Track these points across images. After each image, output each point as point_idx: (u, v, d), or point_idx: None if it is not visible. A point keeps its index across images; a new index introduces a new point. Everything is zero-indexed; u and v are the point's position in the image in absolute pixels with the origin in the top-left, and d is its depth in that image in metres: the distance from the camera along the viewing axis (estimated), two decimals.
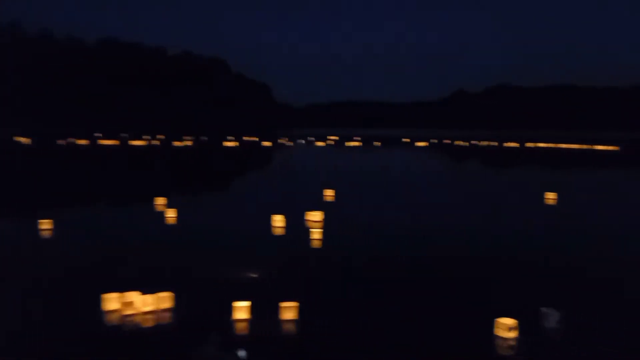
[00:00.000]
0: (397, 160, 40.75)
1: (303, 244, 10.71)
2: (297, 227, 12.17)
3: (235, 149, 50.32)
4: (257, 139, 71.64)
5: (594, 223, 13.68)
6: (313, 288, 7.84)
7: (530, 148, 58.61)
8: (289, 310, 6.67)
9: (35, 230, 11.55)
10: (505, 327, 6.06)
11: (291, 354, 5.76)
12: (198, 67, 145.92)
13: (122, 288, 7.21)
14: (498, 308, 6.69)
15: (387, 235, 11.65)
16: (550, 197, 17.12)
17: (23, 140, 56.11)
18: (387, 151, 52.79)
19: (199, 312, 6.82)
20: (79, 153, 40.35)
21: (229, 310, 6.70)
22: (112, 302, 6.94)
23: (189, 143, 58.17)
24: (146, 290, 7.14)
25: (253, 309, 6.73)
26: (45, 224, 11.81)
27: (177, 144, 54.86)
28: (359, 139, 76.14)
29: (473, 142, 71.07)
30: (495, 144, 66.69)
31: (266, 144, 60.82)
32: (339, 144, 65.04)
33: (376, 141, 70.65)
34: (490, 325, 6.25)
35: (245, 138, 74.38)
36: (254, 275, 8.36)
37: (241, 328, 6.40)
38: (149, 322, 6.61)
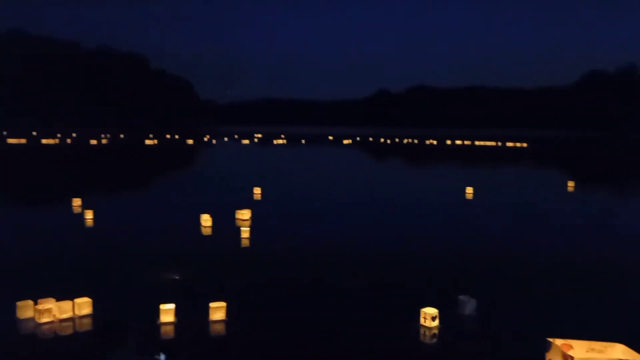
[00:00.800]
0: (324, 157, 41.14)
1: (232, 242, 10.52)
2: (225, 226, 11.94)
3: (157, 147, 48.66)
4: (179, 137, 69.64)
5: (508, 214, 14.47)
6: (242, 287, 7.71)
7: (449, 145, 61.14)
8: (217, 311, 6.51)
9: None
10: (429, 316, 6.27)
11: (220, 355, 5.64)
12: (115, 62, 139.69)
13: (37, 295, 6.71)
14: (421, 299, 6.84)
15: (315, 233, 11.74)
16: (469, 191, 17.92)
17: None
18: (314, 149, 53.18)
19: (121, 317, 6.50)
20: None
21: (154, 313, 6.43)
22: (26, 309, 6.46)
23: (105, 141, 55.52)
24: (63, 296, 6.70)
25: (179, 311, 6.50)
26: None
27: (93, 142, 52.19)
28: (285, 136, 76.01)
29: (396, 139, 73.13)
30: (417, 141, 69.01)
31: (189, 141, 59.27)
32: (265, 141, 64.68)
33: (302, 139, 70.85)
34: (416, 315, 6.41)
35: (167, 136, 72.08)
36: (177, 277, 8.08)
37: (167, 331, 6.18)
38: (67, 330, 6.22)
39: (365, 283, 7.98)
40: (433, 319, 6.28)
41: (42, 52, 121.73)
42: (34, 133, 68.27)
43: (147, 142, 55.73)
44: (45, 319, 6.37)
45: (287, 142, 63.42)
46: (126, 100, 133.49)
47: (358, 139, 74.22)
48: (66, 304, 6.55)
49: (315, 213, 14.26)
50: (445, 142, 67.35)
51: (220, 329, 6.31)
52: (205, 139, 67.47)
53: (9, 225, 12.36)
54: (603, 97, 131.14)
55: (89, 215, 12.75)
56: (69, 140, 53.84)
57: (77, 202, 14.57)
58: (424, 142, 67.62)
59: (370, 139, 75.93)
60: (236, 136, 77.89)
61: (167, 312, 6.42)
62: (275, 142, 62.81)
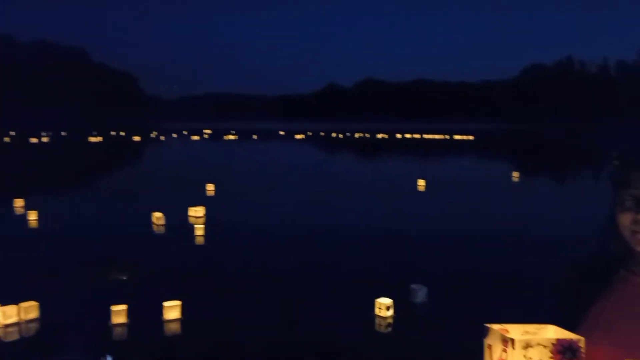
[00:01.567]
0: (276, 152, 40.96)
1: (186, 240, 10.29)
2: (178, 223, 11.67)
3: (102, 145, 47.06)
4: (125, 134, 67.52)
5: (458, 205, 14.83)
6: (198, 285, 7.54)
7: (399, 139, 62.16)
8: (171, 310, 6.34)
9: None
10: (384, 306, 6.34)
11: (175, 354, 5.50)
12: (53, 56, 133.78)
13: None
14: (377, 290, 6.89)
15: (271, 228, 11.66)
16: (421, 184, 18.26)
17: None
18: (266, 144, 52.83)
19: (70, 320, 6.22)
20: None
21: (105, 315, 6.19)
22: None
23: (46, 139, 53.15)
24: (7, 301, 6.34)
25: (132, 312, 6.28)
26: None
27: (33, 140, 49.85)
28: (235, 132, 74.99)
29: (348, 134, 73.64)
30: (368, 135, 69.74)
31: (136, 138, 57.58)
32: (215, 137, 63.68)
33: (253, 134, 70.17)
34: (371, 306, 6.45)
35: (112, 133, 69.75)
36: (129, 277, 7.83)
37: (120, 332, 5.97)
38: (13, 336, 5.90)
39: (320, 275, 7.98)
40: (387, 309, 6.35)
41: None
42: None
43: (91, 139, 53.74)
44: None
45: (238, 137, 62.66)
46: (67, 96, 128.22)
47: (310, 133, 74.24)
48: (11, 309, 6.20)
49: (270, 208, 14.15)
50: (395, 135, 68.37)
51: (175, 328, 6.16)
52: (153, 136, 65.80)
53: None
54: (543, 89, 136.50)
55: (32, 216, 12.15)
56: (7, 139, 51.21)
57: (19, 202, 13.87)
58: (375, 136, 68.42)
59: (322, 133, 76.17)
60: (185, 132, 76.28)
61: (119, 313, 6.19)
62: (225, 137, 61.94)
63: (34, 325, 6.14)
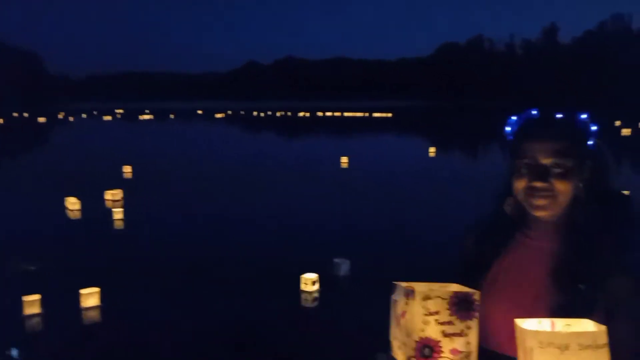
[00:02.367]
0: (195, 132, 39.89)
1: (103, 225, 9.81)
2: (95, 208, 11.09)
3: (4, 127, 43.64)
4: (28, 115, 62.96)
5: (381, 181, 15.21)
6: (116, 270, 7.22)
7: (320, 117, 62.65)
8: (89, 297, 6.02)
9: None
10: (309, 281, 6.42)
11: (95, 341, 5.26)
12: None
13: None
14: (301, 266, 6.92)
15: (192, 210, 11.38)
16: (344, 160, 18.53)
17: None
18: (184, 124, 51.30)
19: None
20: None
21: (17, 306, 5.78)
22: None
23: None
24: None
25: (47, 301, 5.91)
26: None
27: None
28: (150, 111, 72.04)
29: (269, 112, 73.13)
30: (289, 114, 69.67)
31: (41, 119, 53.90)
32: (129, 117, 60.95)
33: (170, 113, 67.84)
34: (297, 282, 6.49)
35: (14, 114, 64.79)
36: (42, 266, 7.35)
37: (33, 323, 5.61)
38: None
39: (244, 255, 7.88)
40: (313, 283, 6.43)
41: None
42: None
43: None
44: None
45: (154, 117, 60.35)
46: None
47: (229, 112, 72.99)
48: None
49: (191, 190, 13.79)
50: (316, 114, 68.83)
51: (94, 315, 5.87)
52: (60, 117, 61.90)
53: None
54: (457, 67, 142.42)
55: None
56: None
57: None
58: (297, 114, 68.50)
59: (242, 112, 75.16)
60: (95, 112, 72.44)
61: (32, 304, 5.80)
62: (140, 117, 59.45)
63: None
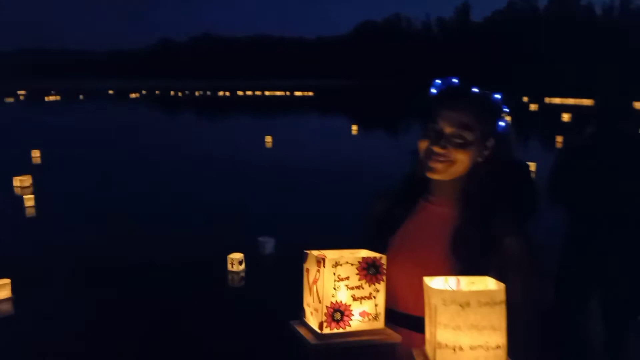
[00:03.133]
0: (108, 113, 37.90)
1: (13, 212, 9.22)
2: (2, 195, 10.43)
3: None
4: None
5: (305, 159, 15.32)
6: (29, 260, 6.85)
7: (241, 96, 61.56)
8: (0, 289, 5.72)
9: None
10: (236, 261, 6.47)
11: (6, 335, 5.03)
12: None
13: None
14: (228, 246, 6.92)
15: (109, 195, 10.96)
16: (269, 140, 18.44)
17: None
18: (95, 104, 48.55)
19: None
20: None
21: None
22: None
23: None
24: None
25: None
26: None
27: None
28: (57, 92, 67.25)
29: (186, 92, 70.75)
30: (209, 93, 67.84)
31: None
32: (34, 98, 56.73)
33: (79, 94, 63.78)
34: (224, 263, 6.50)
35: None
36: None
37: None
38: None
39: (167, 241, 7.72)
40: (240, 263, 6.47)
41: None
42: None
43: None
44: None
45: (61, 98, 56.55)
46: None
47: (144, 92, 69.77)
48: None
49: (107, 174, 13.19)
50: (237, 92, 67.52)
51: (5, 308, 5.57)
52: None
53: None
54: (375, 46, 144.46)
55: None
56: None
57: None
58: (217, 93, 66.83)
59: (158, 92, 72.15)
60: None
61: None
62: (47, 99, 55.52)
63: None
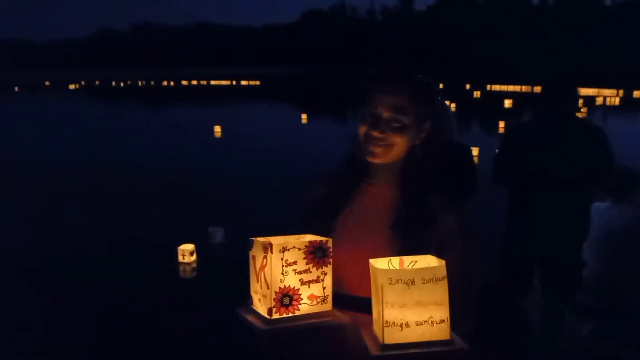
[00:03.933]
0: (48, 106, 36.19)
1: None
2: None
3: None
4: None
5: (257, 148, 15.21)
6: None
7: (186, 86, 60.24)
8: None
9: None
10: (187, 252, 6.40)
11: None
12: None
13: None
14: (179, 237, 6.83)
15: (51, 190, 10.55)
16: (217, 130, 18.21)
17: None
18: (33, 97, 46.30)
19: None
20: None
21: None
22: None
23: None
24: None
25: None
26: None
27: None
28: None
29: (128, 82, 68.50)
30: (152, 83, 65.98)
31: None
32: None
33: (14, 86, 60.56)
34: (174, 254, 6.41)
35: None
36: None
37: None
38: None
39: (116, 235, 7.52)
40: (191, 253, 6.40)
41: None
42: None
43: None
44: None
45: None
46: None
47: (83, 82, 67.02)
48: None
49: (48, 170, 12.66)
50: (181, 82, 66.00)
51: None
52: None
53: None
54: (321, 33, 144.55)
55: None
56: None
57: None
58: (160, 83, 65.09)
59: (97, 82, 69.49)
60: None
61: None
62: None
63: None
